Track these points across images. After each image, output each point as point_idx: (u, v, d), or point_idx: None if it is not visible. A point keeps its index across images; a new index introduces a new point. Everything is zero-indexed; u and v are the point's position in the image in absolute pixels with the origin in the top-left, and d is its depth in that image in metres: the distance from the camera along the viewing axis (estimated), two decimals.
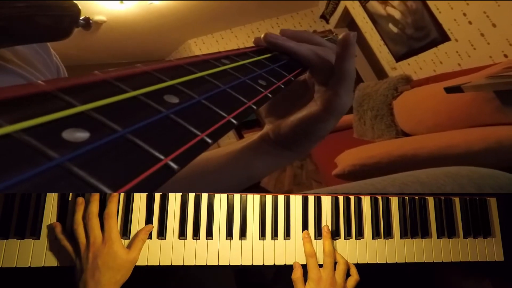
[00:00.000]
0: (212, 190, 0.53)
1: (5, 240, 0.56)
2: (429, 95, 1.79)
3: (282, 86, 0.29)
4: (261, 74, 0.29)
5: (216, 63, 0.27)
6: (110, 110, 0.15)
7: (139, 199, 0.61)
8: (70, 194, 0.60)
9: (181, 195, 0.62)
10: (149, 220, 0.60)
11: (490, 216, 0.70)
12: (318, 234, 0.64)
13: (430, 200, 0.70)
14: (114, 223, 0.55)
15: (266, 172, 0.44)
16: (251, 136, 0.45)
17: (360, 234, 0.66)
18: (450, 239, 0.68)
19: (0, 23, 0.30)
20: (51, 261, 0.57)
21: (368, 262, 0.65)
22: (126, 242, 0.58)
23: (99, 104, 0.15)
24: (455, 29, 2.13)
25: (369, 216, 0.67)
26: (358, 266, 0.63)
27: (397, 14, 2.64)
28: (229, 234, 0.62)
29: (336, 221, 0.66)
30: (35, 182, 0.11)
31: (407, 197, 0.69)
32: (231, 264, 0.61)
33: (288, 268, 0.61)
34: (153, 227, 0.60)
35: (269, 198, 0.65)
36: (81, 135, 0.13)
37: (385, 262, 0.65)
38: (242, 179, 0.44)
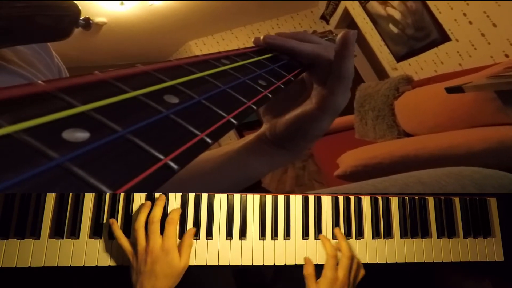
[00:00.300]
0: (209, 191, 0.53)
1: (5, 240, 0.56)
2: (430, 96, 1.79)
3: (282, 86, 0.29)
4: (261, 74, 0.29)
5: (216, 63, 0.27)
6: (110, 110, 0.15)
7: (139, 199, 0.61)
8: (70, 195, 0.60)
9: (181, 195, 0.62)
10: None
11: (490, 216, 0.70)
12: (318, 234, 0.64)
13: (430, 200, 0.70)
14: (175, 230, 0.56)
15: (263, 172, 0.44)
16: (248, 136, 0.45)
17: (360, 234, 0.66)
18: (450, 239, 0.68)
19: (0, 23, 0.30)
20: (51, 261, 0.57)
21: (368, 262, 0.65)
22: None
23: (99, 104, 0.15)
24: (456, 29, 2.12)
25: (369, 216, 0.67)
26: None
27: (397, 15, 2.64)
28: (229, 234, 0.62)
29: (336, 221, 0.66)
30: (35, 182, 0.11)
31: (407, 197, 0.69)
32: (231, 264, 0.61)
33: (288, 268, 0.61)
34: (195, 229, 0.60)
35: (269, 198, 0.65)
36: (81, 135, 0.13)
37: (385, 262, 0.65)
38: (239, 179, 0.44)
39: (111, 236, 0.58)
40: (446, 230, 0.68)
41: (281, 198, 0.66)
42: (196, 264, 0.60)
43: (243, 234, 0.62)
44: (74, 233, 0.57)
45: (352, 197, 0.67)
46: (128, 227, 0.59)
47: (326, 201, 0.67)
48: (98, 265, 0.57)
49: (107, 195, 0.60)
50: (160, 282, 0.51)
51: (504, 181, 0.62)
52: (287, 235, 0.63)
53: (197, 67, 0.24)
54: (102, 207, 0.59)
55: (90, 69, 0.18)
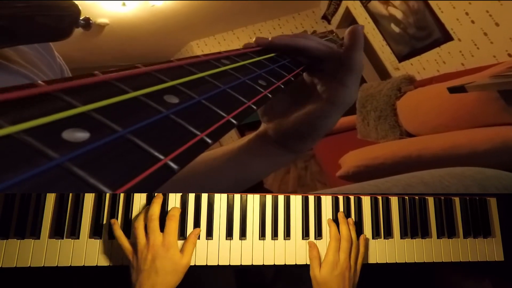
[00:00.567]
0: (209, 191, 0.53)
1: (5, 240, 0.56)
2: (432, 95, 1.78)
3: (282, 86, 0.29)
4: (261, 74, 0.29)
5: (216, 64, 0.27)
6: (110, 110, 0.15)
7: (139, 199, 0.61)
8: (70, 195, 0.60)
9: (181, 195, 0.62)
10: None
11: (490, 216, 0.70)
12: (318, 234, 0.64)
13: (430, 200, 0.70)
14: (175, 226, 0.56)
15: (264, 172, 0.44)
16: (247, 136, 0.45)
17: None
18: (450, 239, 0.68)
19: (0, 23, 0.30)
20: (51, 261, 0.57)
21: (368, 262, 0.65)
22: None
23: (100, 104, 0.15)
24: (458, 28, 2.12)
25: (369, 216, 0.67)
26: None
27: (398, 14, 2.63)
28: (229, 234, 0.62)
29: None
30: (35, 182, 0.11)
31: (407, 197, 0.69)
32: (231, 264, 0.61)
33: (288, 268, 0.62)
34: (200, 230, 0.60)
35: (269, 198, 0.65)
36: (81, 135, 0.13)
37: (385, 262, 0.65)
38: (239, 179, 0.44)
39: (111, 236, 0.58)
40: (446, 230, 0.68)
41: (281, 198, 0.66)
42: (196, 264, 0.60)
43: (243, 234, 0.62)
44: (74, 233, 0.57)
45: (352, 197, 0.67)
46: (128, 227, 0.59)
47: (326, 201, 0.67)
48: (98, 265, 0.57)
49: (107, 195, 0.60)
50: (161, 279, 0.50)
51: (507, 182, 0.62)
52: (287, 235, 0.63)
53: (197, 67, 0.24)
54: (102, 207, 0.59)
55: (93, 70, 0.18)
